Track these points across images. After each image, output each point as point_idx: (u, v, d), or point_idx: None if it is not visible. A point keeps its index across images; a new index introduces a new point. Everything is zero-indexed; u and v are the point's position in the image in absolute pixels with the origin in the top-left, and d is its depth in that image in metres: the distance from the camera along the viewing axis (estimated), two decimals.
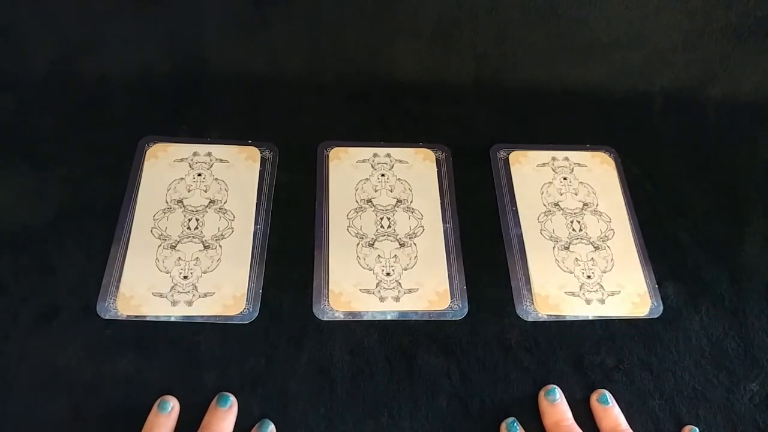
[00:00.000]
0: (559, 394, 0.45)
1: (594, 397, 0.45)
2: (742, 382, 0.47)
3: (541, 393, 0.45)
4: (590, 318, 0.50)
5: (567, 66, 0.63)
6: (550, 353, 0.48)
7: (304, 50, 0.61)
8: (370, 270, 0.51)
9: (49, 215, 0.52)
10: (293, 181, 0.56)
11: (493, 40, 0.61)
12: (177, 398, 0.44)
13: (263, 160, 0.57)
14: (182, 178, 0.55)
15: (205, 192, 0.54)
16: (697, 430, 0.44)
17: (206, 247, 0.51)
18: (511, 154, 0.59)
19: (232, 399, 0.43)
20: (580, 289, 0.51)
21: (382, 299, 0.49)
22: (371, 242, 0.52)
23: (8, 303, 0.47)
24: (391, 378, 0.46)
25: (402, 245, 0.53)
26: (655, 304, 0.51)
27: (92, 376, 0.44)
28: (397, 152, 0.59)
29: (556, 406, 0.44)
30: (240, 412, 0.44)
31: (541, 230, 0.54)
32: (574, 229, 0.55)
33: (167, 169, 0.56)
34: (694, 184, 0.59)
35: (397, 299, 0.49)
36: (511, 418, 0.44)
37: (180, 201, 0.54)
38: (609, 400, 0.45)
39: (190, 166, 0.56)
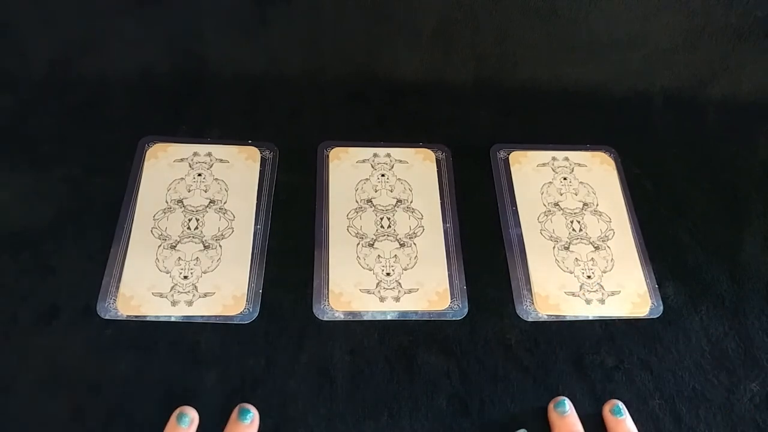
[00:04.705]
0: (568, 405, 0.44)
1: (607, 408, 0.45)
2: (742, 382, 0.47)
3: (551, 405, 0.45)
4: (590, 318, 0.50)
5: (567, 66, 0.63)
6: (550, 353, 0.48)
7: (304, 50, 0.61)
8: (370, 270, 0.51)
9: (49, 215, 0.52)
10: (293, 181, 0.56)
11: (493, 40, 0.61)
12: (176, 398, 0.43)
13: (263, 160, 0.57)
14: (182, 178, 0.55)
15: (205, 192, 0.54)
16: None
17: (206, 247, 0.51)
18: (511, 154, 0.59)
19: (253, 412, 0.43)
20: (580, 289, 0.51)
21: (382, 299, 0.49)
22: (371, 242, 0.52)
23: (8, 303, 0.47)
24: (391, 378, 0.46)
25: (402, 245, 0.53)
26: (655, 304, 0.51)
27: (92, 376, 0.44)
28: (397, 152, 0.59)
29: (566, 418, 0.43)
30: None
31: (541, 230, 0.54)
32: (574, 229, 0.55)
33: (167, 169, 0.56)
34: (694, 184, 0.59)
35: (397, 299, 0.49)
36: (522, 430, 0.43)
37: (180, 201, 0.54)
38: (622, 412, 0.44)
39: (190, 166, 0.56)
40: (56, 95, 0.59)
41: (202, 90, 0.61)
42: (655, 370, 0.47)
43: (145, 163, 0.56)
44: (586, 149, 0.60)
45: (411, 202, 0.55)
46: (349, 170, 0.57)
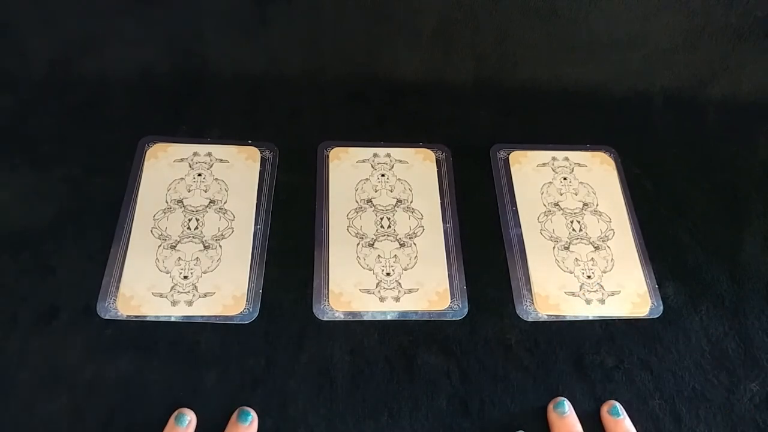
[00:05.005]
0: (568, 406, 0.44)
1: (605, 409, 0.45)
2: (742, 382, 0.47)
3: (550, 405, 0.45)
4: (590, 318, 0.50)
5: (567, 66, 0.63)
6: (550, 353, 0.48)
7: (304, 50, 0.61)
8: (370, 270, 0.51)
9: (49, 215, 0.52)
10: (293, 181, 0.56)
11: (493, 40, 0.61)
12: (176, 398, 0.44)
13: (263, 160, 0.57)
14: (182, 178, 0.55)
15: (205, 192, 0.54)
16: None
17: (206, 247, 0.51)
18: (511, 154, 0.59)
19: (253, 415, 0.43)
20: (580, 289, 0.51)
21: (382, 299, 0.49)
22: (371, 242, 0.52)
23: (8, 303, 0.47)
24: (391, 378, 0.46)
25: (402, 245, 0.53)
26: (655, 304, 0.51)
27: (92, 376, 0.44)
28: (397, 152, 0.59)
29: (566, 418, 0.44)
30: None
31: (541, 230, 0.54)
32: (574, 229, 0.55)
33: (167, 169, 0.56)
34: (694, 184, 0.59)
35: (397, 299, 0.49)
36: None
37: (180, 201, 0.54)
38: (620, 412, 0.44)
39: (190, 166, 0.56)
40: (56, 95, 0.59)
41: (202, 90, 0.61)
42: (655, 370, 0.47)
43: (145, 163, 0.56)
44: (586, 149, 0.60)
45: (411, 202, 0.55)
46: (349, 170, 0.57)
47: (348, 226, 0.53)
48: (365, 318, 0.48)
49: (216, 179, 0.55)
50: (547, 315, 0.50)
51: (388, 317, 0.49)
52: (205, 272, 0.50)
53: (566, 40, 0.61)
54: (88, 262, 0.49)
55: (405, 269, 0.51)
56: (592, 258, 0.53)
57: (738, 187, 0.59)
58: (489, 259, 0.52)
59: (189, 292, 0.49)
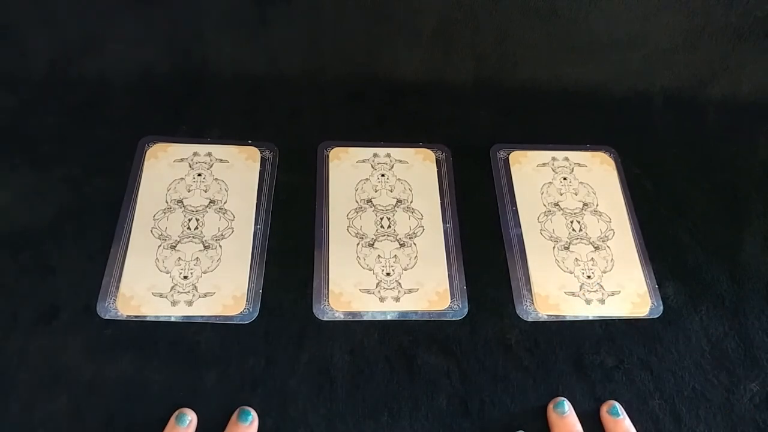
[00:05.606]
0: (567, 406, 0.44)
1: (604, 409, 0.45)
2: (742, 382, 0.47)
3: (550, 405, 0.45)
4: (590, 318, 0.50)
5: (567, 66, 0.63)
6: (550, 353, 0.48)
7: (303, 50, 0.61)
8: (370, 270, 0.51)
9: (49, 215, 0.52)
10: (293, 181, 0.56)
11: (493, 40, 0.61)
12: (176, 398, 0.44)
13: (263, 160, 0.57)
14: (182, 178, 0.55)
15: (205, 192, 0.54)
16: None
17: (206, 247, 0.51)
18: (511, 154, 0.59)
19: (253, 414, 0.43)
20: (580, 289, 0.51)
21: (382, 299, 0.49)
22: (371, 242, 0.52)
23: (8, 303, 0.47)
24: (391, 378, 0.46)
25: (402, 245, 0.53)
26: (655, 304, 0.51)
27: (92, 376, 0.44)
28: (397, 152, 0.59)
29: (566, 418, 0.44)
30: None
31: (541, 230, 0.54)
32: (574, 229, 0.55)
33: (167, 169, 0.56)
34: (694, 184, 0.59)
35: (397, 299, 0.49)
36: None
37: (180, 201, 0.54)
38: (620, 412, 0.44)
39: (190, 166, 0.56)
40: (56, 95, 0.59)
41: (202, 90, 0.61)
42: (655, 370, 0.47)
43: (145, 163, 0.56)
44: (586, 149, 0.60)
45: (411, 202, 0.55)
46: (349, 170, 0.57)
47: (348, 226, 0.53)
48: (365, 318, 0.48)
49: (216, 179, 0.55)
50: (547, 315, 0.50)
51: (388, 317, 0.49)
52: (205, 272, 0.50)
53: (566, 40, 0.61)
54: (88, 262, 0.49)
55: (405, 269, 0.51)
56: (592, 258, 0.53)
57: (738, 187, 0.59)
58: (489, 259, 0.52)
59: (189, 292, 0.49)
